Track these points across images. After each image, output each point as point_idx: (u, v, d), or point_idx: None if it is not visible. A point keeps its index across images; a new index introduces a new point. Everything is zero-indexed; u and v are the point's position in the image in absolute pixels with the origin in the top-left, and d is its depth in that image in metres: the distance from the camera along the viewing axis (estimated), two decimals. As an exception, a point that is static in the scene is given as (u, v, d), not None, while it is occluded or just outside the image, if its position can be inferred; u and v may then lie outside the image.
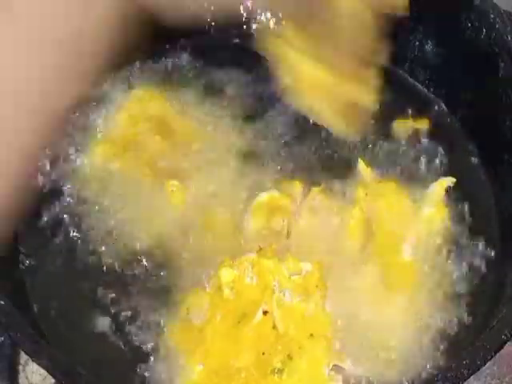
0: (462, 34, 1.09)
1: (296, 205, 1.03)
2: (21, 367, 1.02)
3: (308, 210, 1.02)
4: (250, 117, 1.13)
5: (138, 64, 1.17)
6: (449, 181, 1.06)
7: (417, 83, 1.21)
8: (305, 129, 1.10)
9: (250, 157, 1.09)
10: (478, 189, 1.09)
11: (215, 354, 0.93)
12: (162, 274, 0.99)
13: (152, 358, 0.93)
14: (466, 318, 0.97)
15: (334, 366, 0.93)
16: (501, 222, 1.06)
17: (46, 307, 0.97)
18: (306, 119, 1.07)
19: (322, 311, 0.96)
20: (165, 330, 0.95)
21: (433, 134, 1.13)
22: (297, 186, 1.04)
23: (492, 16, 1.04)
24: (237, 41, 1.20)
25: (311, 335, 0.94)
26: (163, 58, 1.19)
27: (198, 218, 1.03)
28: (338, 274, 0.99)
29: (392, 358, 0.94)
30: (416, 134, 1.13)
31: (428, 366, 0.93)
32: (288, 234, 1.01)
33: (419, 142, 1.12)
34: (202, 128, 1.11)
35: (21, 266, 1.00)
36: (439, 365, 0.93)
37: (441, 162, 1.10)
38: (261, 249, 0.99)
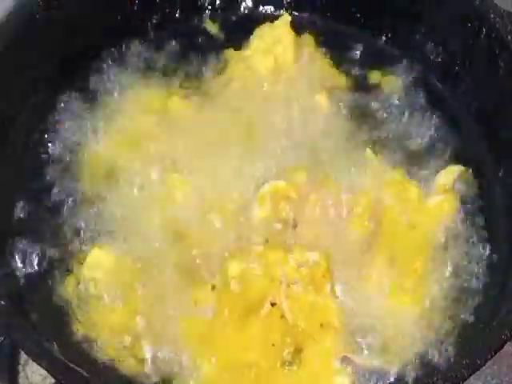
0: (462, 33, 1.08)
1: (302, 194, 1.00)
2: (21, 367, 1.00)
3: (314, 198, 1.00)
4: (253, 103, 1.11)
5: (139, 57, 1.16)
6: (458, 169, 1.04)
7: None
8: (309, 115, 1.09)
9: (253, 146, 1.06)
10: (486, 179, 1.07)
11: (224, 348, 0.92)
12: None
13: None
14: (469, 317, 0.96)
15: (344, 356, 0.92)
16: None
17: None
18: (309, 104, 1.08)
19: (331, 301, 0.95)
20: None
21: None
22: (302, 175, 1.02)
23: (492, 16, 1.04)
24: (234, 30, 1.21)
25: (321, 325, 0.93)
26: (165, 51, 1.17)
27: (202, 211, 1.00)
28: (345, 264, 0.97)
29: (399, 348, 0.93)
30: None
31: (433, 356, 0.93)
32: (294, 224, 0.99)
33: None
34: (203, 119, 1.09)
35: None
36: (444, 356, 0.93)
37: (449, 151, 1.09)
38: (267, 241, 0.98)
